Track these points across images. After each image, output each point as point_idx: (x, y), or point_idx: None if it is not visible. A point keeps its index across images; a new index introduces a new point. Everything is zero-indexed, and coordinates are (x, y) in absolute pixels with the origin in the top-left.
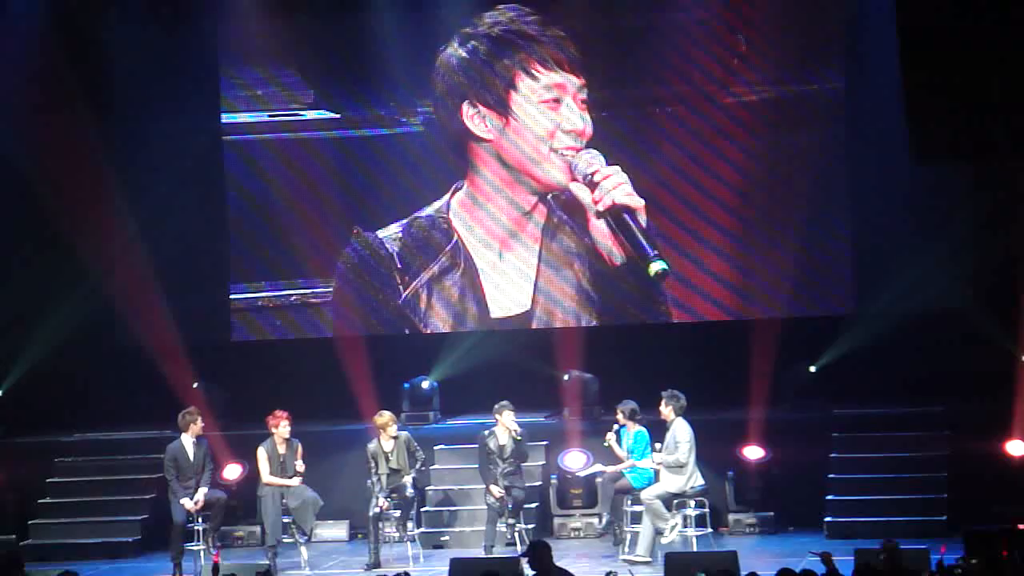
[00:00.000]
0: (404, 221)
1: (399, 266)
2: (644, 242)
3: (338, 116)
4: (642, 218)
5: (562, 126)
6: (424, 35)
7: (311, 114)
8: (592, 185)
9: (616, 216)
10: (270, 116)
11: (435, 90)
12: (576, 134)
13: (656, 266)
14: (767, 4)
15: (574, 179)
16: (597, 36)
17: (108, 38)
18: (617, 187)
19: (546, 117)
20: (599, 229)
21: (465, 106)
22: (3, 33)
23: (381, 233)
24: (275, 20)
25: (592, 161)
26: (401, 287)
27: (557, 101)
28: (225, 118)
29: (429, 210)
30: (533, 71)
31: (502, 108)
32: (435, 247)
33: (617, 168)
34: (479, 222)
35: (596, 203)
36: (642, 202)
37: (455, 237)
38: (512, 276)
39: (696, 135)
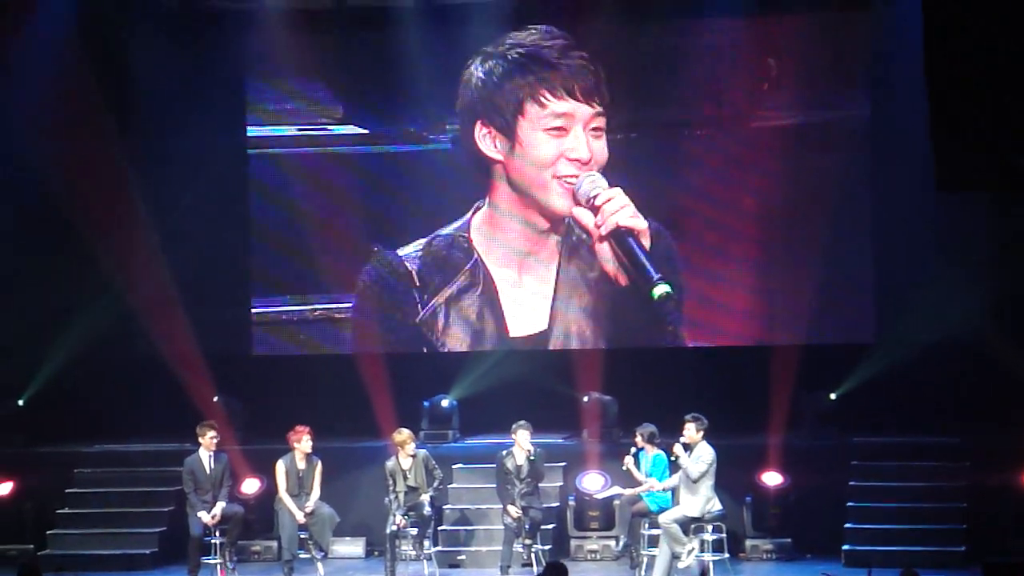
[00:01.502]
0: (424, 240)
1: (417, 284)
2: (648, 265)
3: (366, 131)
4: (645, 241)
5: (567, 154)
6: (453, 52)
7: (339, 129)
8: (594, 209)
9: (619, 239)
10: (298, 130)
11: (456, 107)
12: (580, 163)
13: (660, 289)
14: (794, 30)
15: (577, 203)
16: (625, 58)
17: (134, 51)
18: (620, 210)
19: (551, 144)
20: (603, 252)
21: (478, 125)
22: (29, 48)
23: (401, 251)
24: (302, 35)
25: (594, 184)
26: (419, 306)
27: (563, 129)
28: (251, 131)
29: (450, 228)
30: (541, 98)
31: (509, 132)
32: (454, 266)
33: (619, 190)
34: (498, 241)
35: (599, 227)
36: (645, 224)
37: (475, 256)
38: (530, 296)
39: (720, 158)
